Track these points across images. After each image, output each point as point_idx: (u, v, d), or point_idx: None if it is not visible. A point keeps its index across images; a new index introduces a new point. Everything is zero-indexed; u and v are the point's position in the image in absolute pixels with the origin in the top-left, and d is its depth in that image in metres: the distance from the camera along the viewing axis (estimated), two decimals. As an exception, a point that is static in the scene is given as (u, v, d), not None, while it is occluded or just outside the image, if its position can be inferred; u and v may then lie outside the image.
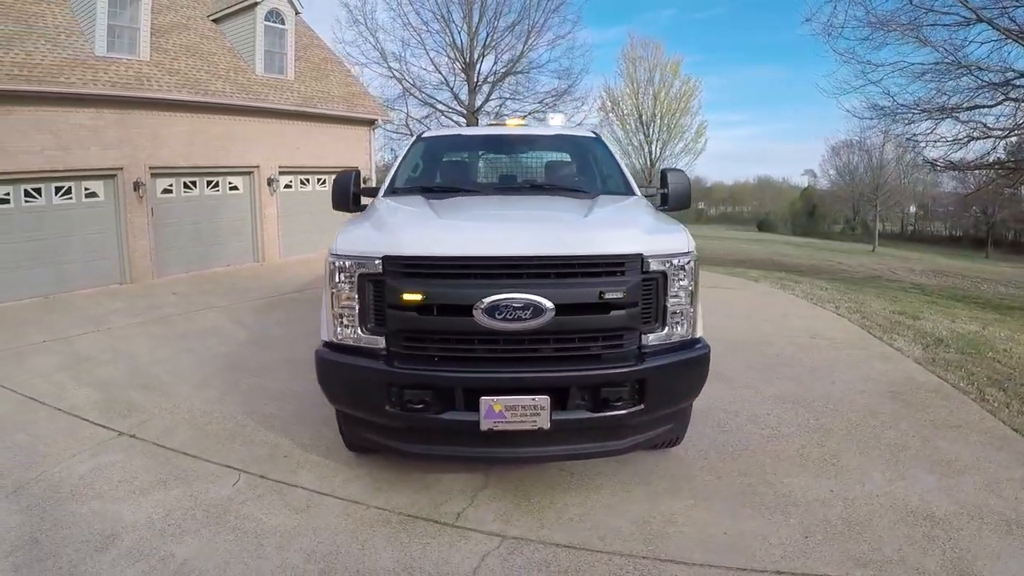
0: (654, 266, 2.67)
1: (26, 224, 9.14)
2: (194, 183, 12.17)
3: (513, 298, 2.49)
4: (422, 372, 2.63)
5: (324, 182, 14.44)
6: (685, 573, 2.40)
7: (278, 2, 13.63)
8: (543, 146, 4.66)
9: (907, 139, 11.82)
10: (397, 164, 4.32)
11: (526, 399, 2.53)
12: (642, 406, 2.64)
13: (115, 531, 2.86)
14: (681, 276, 2.73)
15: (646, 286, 2.66)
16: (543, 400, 2.52)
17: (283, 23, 14.04)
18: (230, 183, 12.83)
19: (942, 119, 10.39)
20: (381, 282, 2.67)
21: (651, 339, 2.72)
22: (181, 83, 11.41)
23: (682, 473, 3.20)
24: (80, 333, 7.00)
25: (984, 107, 10.02)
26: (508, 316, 2.49)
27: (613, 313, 2.58)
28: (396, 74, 20.59)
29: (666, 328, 2.75)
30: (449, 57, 20.81)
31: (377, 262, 2.67)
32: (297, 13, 14.26)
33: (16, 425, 4.18)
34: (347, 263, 2.75)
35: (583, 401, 2.62)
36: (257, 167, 13.05)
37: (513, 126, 4.95)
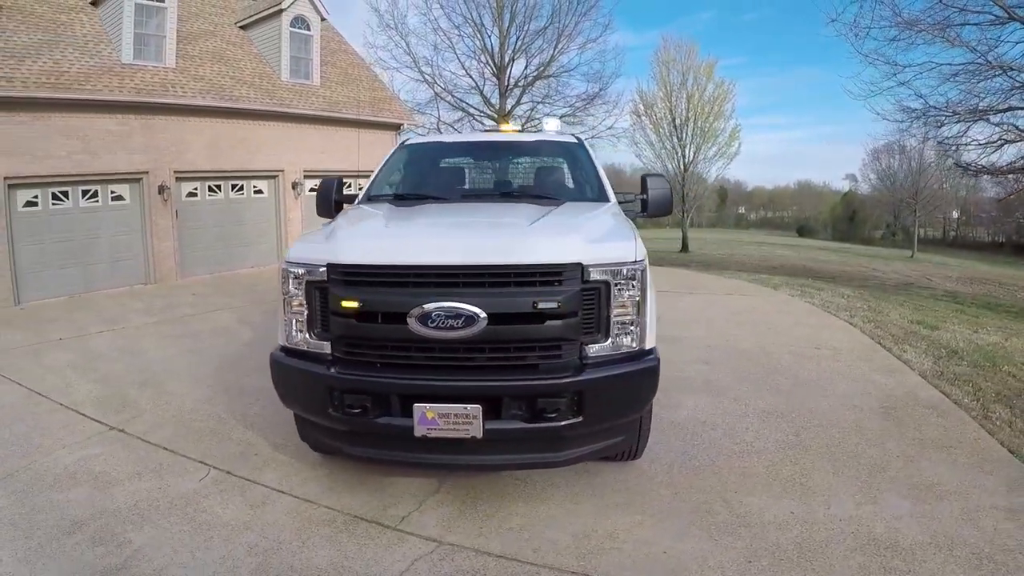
0: (595, 276, 2.68)
1: (54, 226, 9.77)
2: (219, 186, 12.76)
3: (445, 307, 2.57)
4: (360, 377, 2.76)
5: (350, 186, 14.91)
6: None
7: (304, 9, 14.14)
8: (523, 152, 4.76)
9: (938, 142, 11.45)
10: (376, 171, 4.50)
11: (458, 408, 2.61)
12: (580, 418, 2.65)
13: (84, 518, 3.10)
14: (626, 286, 2.74)
15: (587, 296, 2.67)
16: (475, 409, 2.60)
17: (309, 29, 14.56)
18: (255, 187, 13.37)
19: (973, 121, 10.05)
20: (325, 289, 2.82)
21: (594, 350, 2.73)
22: (206, 89, 11.97)
23: (639, 487, 3.22)
24: (97, 331, 7.46)
25: (1018, 109, 9.63)
26: (441, 325, 2.58)
27: (549, 323, 2.61)
28: (427, 78, 21.06)
29: (610, 339, 2.75)
30: (480, 61, 21.19)
31: (322, 270, 2.82)
32: (323, 20, 14.77)
33: (18, 417, 4.53)
34: (297, 271, 2.91)
35: (519, 411, 2.66)
36: (282, 171, 13.56)
37: (504, 132, 5.07)
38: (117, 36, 10.66)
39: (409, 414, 2.67)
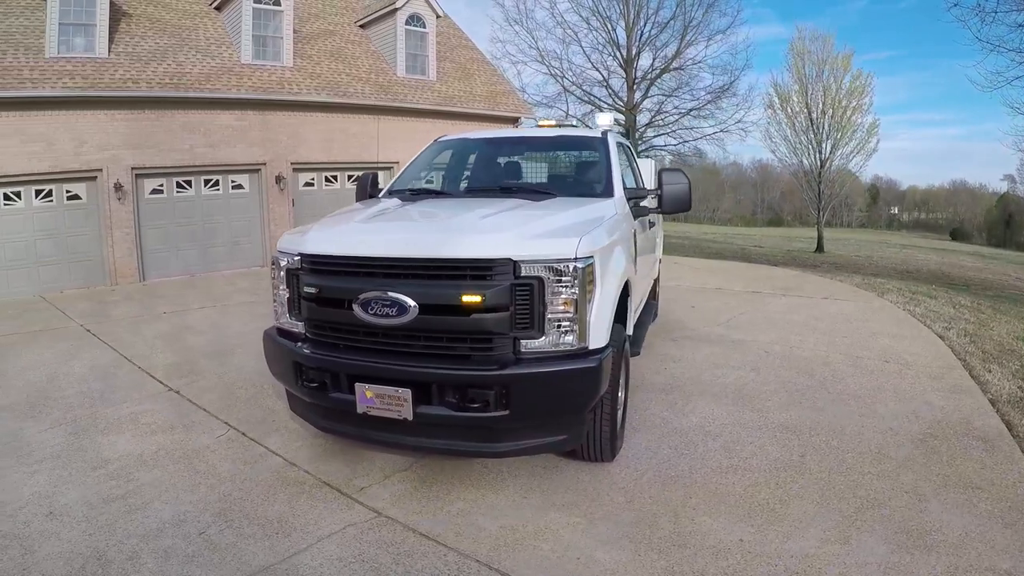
0: (528, 271, 2.80)
1: (177, 212, 11.47)
2: (335, 177, 14.14)
3: (380, 296, 2.88)
4: (316, 355, 3.17)
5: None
6: None
7: (419, 7, 15.19)
8: (541, 148, 4.96)
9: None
10: (406, 166, 4.96)
11: (391, 389, 2.91)
12: (507, 412, 2.79)
13: (112, 458, 3.83)
14: (564, 283, 2.82)
15: (521, 291, 2.80)
16: (405, 392, 2.87)
17: (424, 26, 15.61)
18: (370, 177, 14.64)
19: None
20: (298, 276, 3.27)
21: (530, 345, 2.85)
22: (321, 86, 13.32)
23: (596, 490, 3.27)
24: (198, 307, 8.73)
25: None
26: (378, 312, 2.90)
27: (475, 316, 2.78)
28: (553, 72, 21.74)
29: (545, 336, 2.85)
30: (607, 54, 21.56)
31: (296, 258, 3.28)
32: (438, 17, 15.76)
33: (101, 376, 5.56)
34: (282, 259, 3.40)
35: (447, 399, 2.87)
36: (397, 162, 14.64)
37: (543, 128, 5.29)
38: (237, 38, 12.26)
39: (354, 392, 3.03)
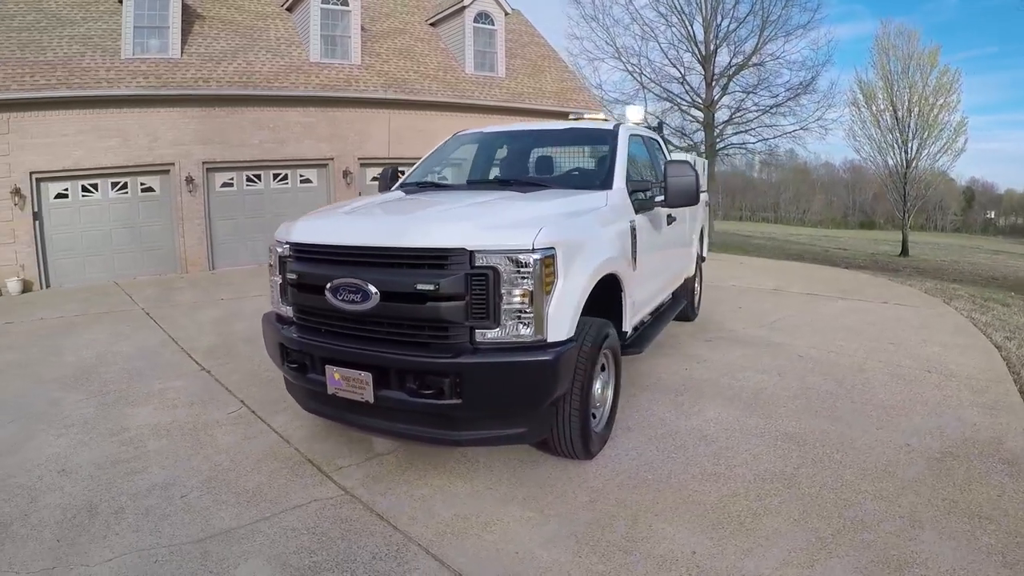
0: (483, 261, 2.85)
1: (247, 204, 12.27)
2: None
3: (346, 282, 3.05)
4: (295, 338, 3.38)
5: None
6: (422, 566, 2.62)
7: (487, 4, 15.50)
8: (551, 141, 4.98)
9: None
10: (422, 160, 5.14)
11: (354, 372, 3.06)
12: (460, 401, 2.87)
13: (131, 427, 4.23)
14: (520, 274, 2.85)
15: (477, 281, 2.85)
16: (367, 376, 3.01)
17: (492, 24, 15.89)
18: (437, 171, 15.16)
19: None
20: (287, 263, 3.49)
21: (486, 336, 2.90)
22: (388, 83, 13.85)
23: (563, 487, 3.26)
24: (255, 295, 9.31)
25: None
26: (345, 298, 3.06)
27: (430, 304, 2.87)
28: (630, 68, 21.66)
29: (501, 326, 2.89)
30: (686, 51, 21.27)
31: (286, 246, 3.50)
32: (506, 14, 16.01)
33: (145, 355, 6.10)
34: (277, 247, 3.64)
35: (405, 384, 2.97)
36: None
37: (569, 121, 5.34)
38: (306, 38, 12.98)
39: (325, 374, 3.21)
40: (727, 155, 23.39)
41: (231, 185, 12.10)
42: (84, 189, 10.70)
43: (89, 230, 10.75)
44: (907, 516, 2.96)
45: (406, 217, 3.47)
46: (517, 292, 2.87)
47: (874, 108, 25.28)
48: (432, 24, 16.53)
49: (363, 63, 13.87)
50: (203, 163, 11.49)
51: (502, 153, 5.11)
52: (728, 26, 20.62)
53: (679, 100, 21.73)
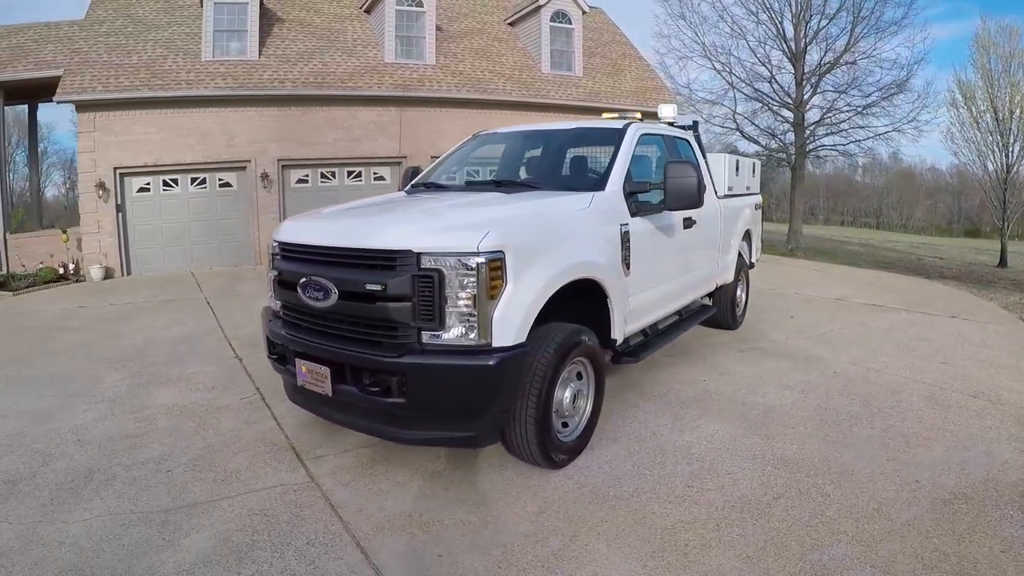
0: (429, 263, 2.90)
1: (321, 200, 12.76)
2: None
3: (311, 280, 3.21)
4: (274, 331, 3.60)
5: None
6: (347, 557, 2.71)
7: (564, 3, 15.53)
8: (560, 140, 4.90)
9: None
10: (439, 159, 5.25)
11: (316, 366, 3.22)
12: (403, 400, 2.95)
13: (150, 406, 4.65)
14: (465, 276, 2.88)
15: (423, 283, 2.90)
16: (325, 370, 3.16)
17: (570, 23, 15.91)
18: (509, 170, 15.41)
19: None
20: (274, 260, 3.71)
21: (433, 337, 2.95)
22: (462, 83, 14.16)
23: (516, 495, 3.23)
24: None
25: None
26: (311, 295, 3.23)
27: (379, 304, 2.97)
28: (718, 67, 21.09)
29: (447, 329, 2.93)
30: (775, 48, 20.46)
31: (275, 244, 3.72)
32: (584, 13, 15.97)
33: (190, 341, 6.65)
34: (272, 246, 3.85)
35: (362, 381, 3.08)
36: None
37: (604, 119, 5.21)
38: (381, 39, 13.48)
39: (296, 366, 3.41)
40: (818, 157, 22.14)
41: (306, 181, 12.79)
42: (165, 184, 11.69)
43: (169, 222, 11.73)
44: (880, 567, 2.66)
45: (368, 219, 3.59)
46: (462, 295, 2.89)
47: (973, 109, 23.47)
48: (510, 24, 16.73)
49: (438, 63, 14.23)
50: (278, 160, 12.22)
51: (511, 153, 5.13)
52: (819, 23, 19.63)
53: (769, 100, 20.87)
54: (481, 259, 2.88)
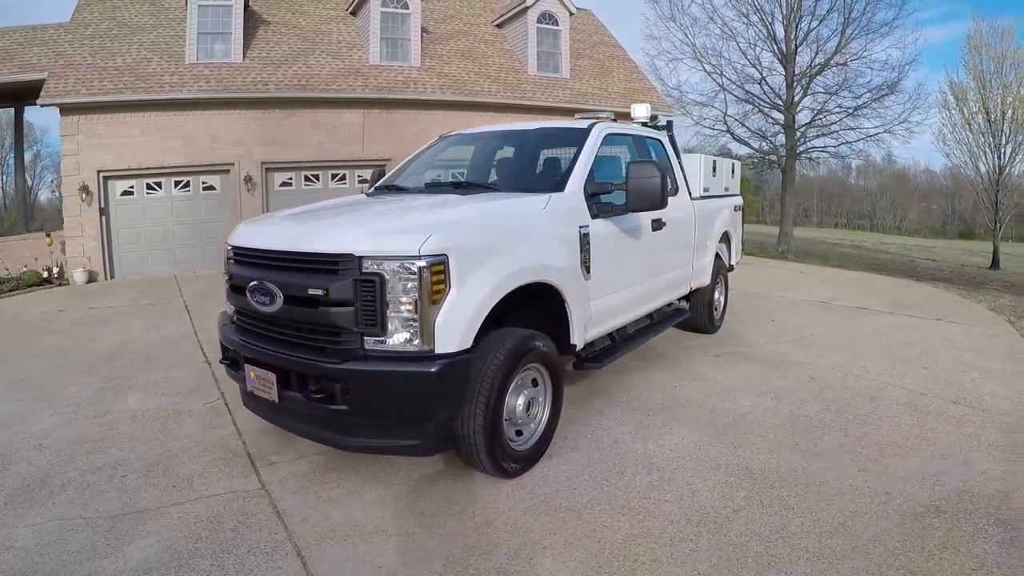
0: (370, 267, 2.84)
1: (305, 203, 12.76)
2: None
3: (257, 284, 3.17)
4: (227, 336, 3.56)
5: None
6: (286, 567, 2.66)
7: (551, 5, 15.49)
8: (523, 141, 4.85)
9: None
10: (404, 161, 5.19)
11: (263, 372, 3.17)
12: (346, 407, 2.89)
13: (114, 410, 4.60)
14: (406, 281, 2.83)
15: (365, 288, 2.85)
16: (271, 376, 3.12)
17: (556, 24, 15.88)
18: (495, 172, 15.38)
19: None
20: (228, 264, 3.66)
21: (376, 343, 2.89)
22: (447, 85, 14.11)
23: (466, 505, 3.16)
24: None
25: None
26: (258, 300, 3.18)
27: (321, 309, 2.92)
28: (709, 68, 21.08)
29: (389, 334, 2.87)
30: (765, 50, 20.48)
31: (229, 248, 3.67)
32: (571, 14, 15.95)
33: (164, 345, 6.66)
34: (225, 250, 3.81)
35: (307, 388, 3.03)
36: None
37: (582, 118, 5.14)
38: (367, 41, 13.43)
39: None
40: (809, 159, 22.10)
41: (290, 184, 12.74)
42: (149, 187, 11.65)
43: (152, 225, 11.68)
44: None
45: (316, 223, 3.52)
46: (404, 300, 2.83)
47: (965, 111, 23.60)
48: (497, 26, 16.70)
49: (423, 65, 14.20)
50: (262, 163, 12.17)
51: (475, 155, 5.08)
52: (809, 24, 19.63)
53: (759, 102, 20.84)
54: (422, 263, 2.82)
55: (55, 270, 11.12)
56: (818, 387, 4.93)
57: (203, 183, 12.00)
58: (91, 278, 11.17)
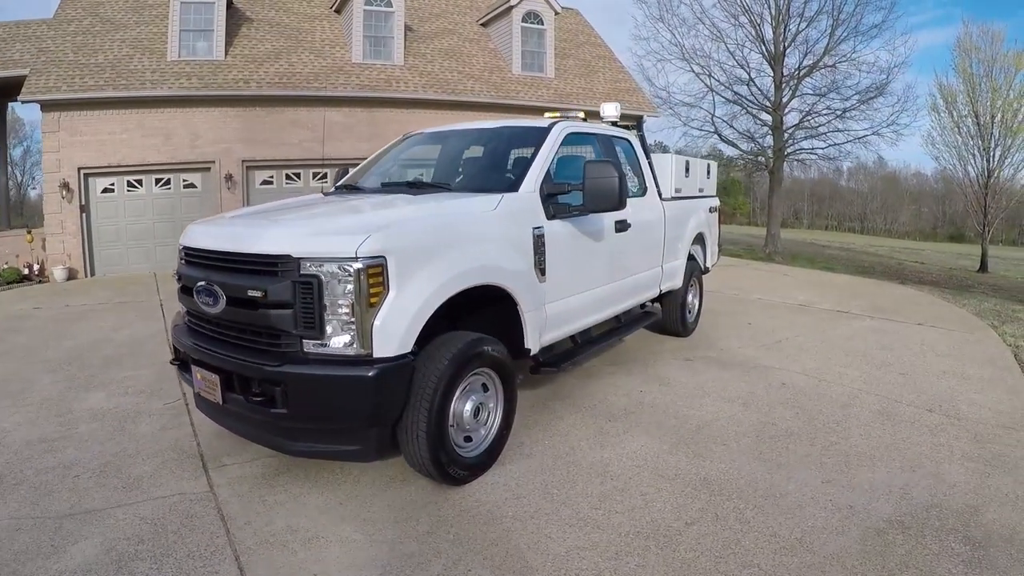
0: (308, 269, 2.82)
1: (287, 202, 12.77)
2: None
3: (202, 285, 3.15)
4: (177, 337, 3.54)
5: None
6: (223, 572, 2.65)
7: (536, 4, 15.47)
8: (482, 140, 4.81)
9: None
10: (367, 160, 5.15)
11: (208, 373, 3.15)
12: (286, 410, 2.87)
13: (75, 410, 4.60)
14: (340, 283, 2.80)
15: (303, 289, 2.82)
16: (215, 378, 3.11)
17: (541, 23, 15.86)
18: (477, 171, 15.37)
19: None
20: (179, 265, 3.64)
21: (314, 346, 2.87)
22: (429, 84, 14.08)
23: (411, 512, 3.13)
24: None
25: None
26: (204, 300, 3.16)
27: (261, 311, 2.90)
28: (697, 70, 21.11)
29: (327, 337, 2.84)
30: (753, 51, 20.54)
31: (180, 248, 3.65)
32: (556, 14, 15.92)
33: (133, 344, 6.62)
34: (179, 250, 3.78)
35: (248, 390, 3.01)
36: None
37: (551, 117, 5.07)
38: (350, 39, 13.37)
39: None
40: (797, 160, 22.17)
41: (271, 183, 12.68)
42: (129, 184, 11.59)
43: (133, 223, 11.62)
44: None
45: (260, 223, 3.48)
46: (342, 302, 2.81)
47: (955, 114, 23.80)
48: (482, 25, 16.68)
49: (406, 64, 14.15)
50: (243, 161, 12.12)
51: (441, 153, 5.05)
52: (798, 26, 19.71)
53: (748, 103, 20.89)
54: (359, 264, 2.78)
55: (36, 267, 11.06)
56: (789, 393, 4.87)
57: (184, 181, 11.94)
58: (71, 275, 11.11)
